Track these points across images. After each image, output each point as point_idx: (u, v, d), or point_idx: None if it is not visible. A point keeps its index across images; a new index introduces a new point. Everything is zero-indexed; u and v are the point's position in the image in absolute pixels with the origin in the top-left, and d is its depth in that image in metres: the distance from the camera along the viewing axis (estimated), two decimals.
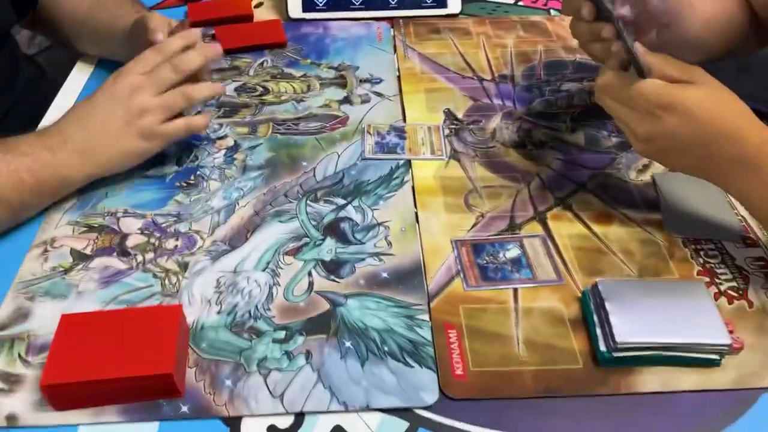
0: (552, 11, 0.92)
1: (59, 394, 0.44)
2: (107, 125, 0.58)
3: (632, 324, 0.47)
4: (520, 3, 0.94)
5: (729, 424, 0.45)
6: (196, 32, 0.63)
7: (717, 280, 0.54)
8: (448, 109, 0.73)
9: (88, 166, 0.58)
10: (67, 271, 0.54)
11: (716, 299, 0.52)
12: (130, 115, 0.58)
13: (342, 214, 0.60)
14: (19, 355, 0.48)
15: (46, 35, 0.81)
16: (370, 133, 0.69)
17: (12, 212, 0.56)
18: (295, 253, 0.56)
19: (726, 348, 0.47)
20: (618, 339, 0.47)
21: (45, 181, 0.56)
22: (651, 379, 0.47)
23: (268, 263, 0.55)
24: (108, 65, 0.77)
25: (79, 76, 0.78)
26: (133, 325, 0.47)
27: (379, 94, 0.75)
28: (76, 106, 0.60)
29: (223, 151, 0.67)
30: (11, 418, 0.44)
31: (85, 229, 0.58)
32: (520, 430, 0.44)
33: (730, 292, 0.53)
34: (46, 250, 0.56)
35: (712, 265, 0.55)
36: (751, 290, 0.53)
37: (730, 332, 0.48)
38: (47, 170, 0.56)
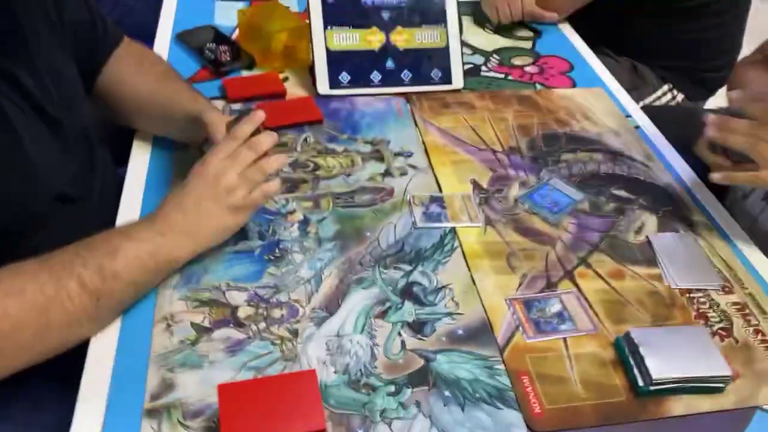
0: (537, 86, 1.08)
1: None
2: (202, 206, 0.67)
3: (662, 364, 0.62)
4: (509, 77, 1.10)
5: None
6: (261, 115, 0.73)
7: (709, 323, 0.70)
8: (474, 180, 0.87)
9: (192, 244, 0.67)
10: (194, 342, 0.63)
11: (711, 337, 0.68)
12: (219, 195, 0.67)
13: (411, 278, 0.72)
14: (179, 421, 0.56)
15: (102, 109, 0.88)
16: (416, 204, 0.81)
17: (137, 292, 0.64)
18: (383, 316, 0.67)
19: (728, 377, 0.63)
20: (654, 376, 0.61)
21: (161, 261, 0.65)
22: (677, 405, 0.62)
23: (363, 326, 0.66)
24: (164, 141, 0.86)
25: (139, 153, 0.85)
26: (281, 389, 0.56)
27: (413, 167, 0.88)
28: (172, 194, 0.68)
29: (296, 224, 0.77)
30: None
31: (197, 303, 0.67)
32: None
33: (720, 332, 0.69)
34: (169, 325, 0.64)
35: (704, 311, 0.72)
36: (735, 329, 0.70)
37: (729, 365, 0.64)
38: (162, 252, 0.64)
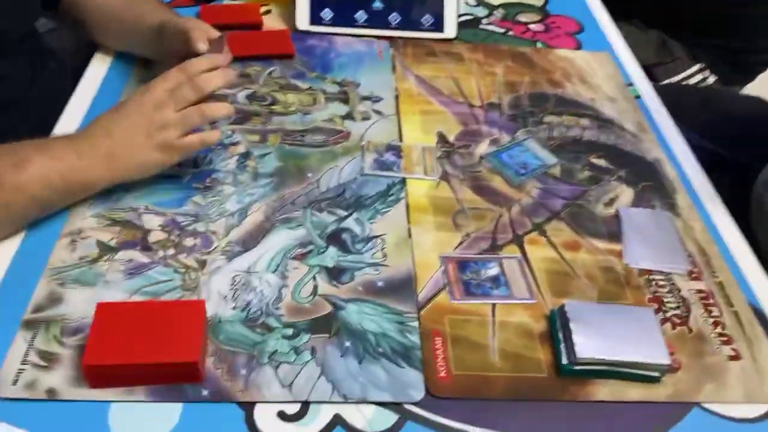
0: (539, 43, 1.00)
1: (97, 374, 0.50)
2: (131, 136, 0.62)
3: (591, 342, 0.56)
4: (510, 33, 1.02)
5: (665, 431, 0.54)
6: (224, 59, 0.68)
7: (664, 308, 0.63)
8: (441, 132, 0.80)
9: (110, 172, 0.63)
10: (94, 261, 0.60)
11: (662, 324, 0.61)
12: (151, 128, 0.63)
13: (343, 225, 0.67)
14: (55, 337, 0.53)
15: (68, 25, 0.85)
16: (369, 150, 0.76)
17: (40, 208, 0.61)
18: (301, 258, 0.63)
19: (666, 367, 0.56)
20: (578, 354, 0.55)
21: (72, 184, 0.61)
22: (602, 390, 0.56)
23: (278, 266, 0.62)
24: (125, 58, 0.83)
25: (97, 69, 0.82)
26: (162, 316, 0.53)
27: (378, 112, 0.82)
28: (105, 114, 0.64)
29: (236, 157, 0.73)
30: (51, 392, 0.50)
31: (109, 222, 0.63)
32: (491, 426, 0.52)
33: (674, 318, 0.62)
34: (74, 240, 0.61)
35: (661, 294, 0.64)
36: (692, 318, 0.62)
37: (671, 354, 0.57)
38: (76, 175, 0.61)
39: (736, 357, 0.59)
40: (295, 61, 0.88)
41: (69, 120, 0.74)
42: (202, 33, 0.70)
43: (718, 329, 0.62)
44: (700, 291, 0.65)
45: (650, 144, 0.83)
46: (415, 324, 0.58)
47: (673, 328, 0.62)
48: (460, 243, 0.67)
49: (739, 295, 0.65)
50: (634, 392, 0.56)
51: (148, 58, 0.82)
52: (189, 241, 0.63)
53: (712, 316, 0.63)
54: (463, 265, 0.64)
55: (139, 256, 0.61)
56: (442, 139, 0.80)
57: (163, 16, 0.75)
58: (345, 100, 0.83)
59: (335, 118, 0.80)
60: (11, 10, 0.67)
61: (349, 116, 0.81)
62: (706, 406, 0.56)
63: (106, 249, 0.61)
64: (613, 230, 0.70)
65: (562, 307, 0.59)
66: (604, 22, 1.08)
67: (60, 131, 0.72)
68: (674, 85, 1.28)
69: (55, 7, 0.80)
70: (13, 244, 0.61)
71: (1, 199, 0.57)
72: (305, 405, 0.52)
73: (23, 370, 0.51)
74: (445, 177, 0.74)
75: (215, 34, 0.71)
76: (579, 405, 0.55)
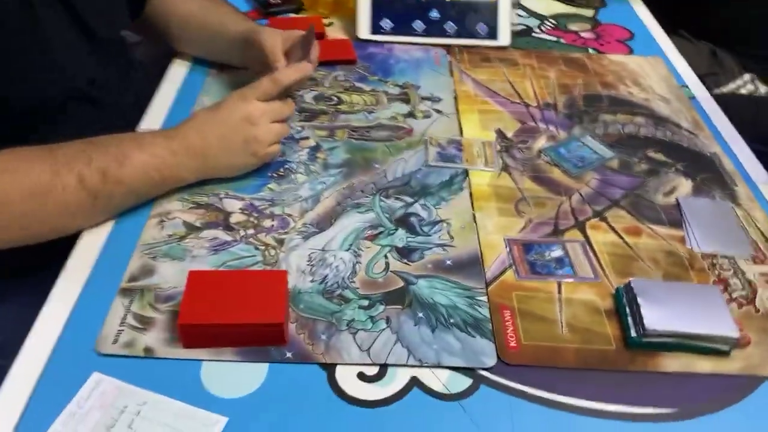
0: (590, 50, 1.03)
1: (190, 333, 0.53)
2: (224, 143, 0.68)
3: (659, 315, 0.57)
4: (561, 41, 1.05)
5: (734, 403, 0.54)
6: (309, 68, 0.75)
7: (729, 289, 0.64)
8: (499, 129, 0.83)
9: (202, 170, 0.68)
10: (181, 238, 0.64)
11: (728, 304, 0.62)
12: (247, 138, 0.68)
13: (410, 210, 0.70)
14: (149, 303, 0.57)
15: (149, 33, 0.91)
16: (432, 144, 0.79)
17: (136, 198, 0.66)
18: (372, 238, 0.66)
19: (734, 340, 0.57)
20: (647, 326, 0.56)
21: (167, 179, 0.66)
22: (672, 362, 0.57)
23: (351, 245, 0.65)
24: (201, 63, 0.89)
25: (175, 73, 0.88)
26: (248, 283, 0.56)
27: (438, 111, 0.86)
28: (200, 115, 0.69)
29: (307, 150, 0.77)
30: (148, 350, 0.54)
31: (193, 205, 0.68)
32: (561, 392, 0.54)
33: (740, 299, 0.63)
34: (162, 221, 0.66)
35: (726, 277, 0.65)
36: (759, 299, 0.63)
37: (740, 330, 0.57)
38: (171, 170, 0.66)
39: None
40: (357, 67, 0.93)
41: (151, 121, 0.79)
42: (276, 42, 0.75)
43: None
44: (765, 274, 0.66)
45: (707, 140, 0.84)
46: (484, 299, 0.61)
47: (740, 307, 0.62)
48: (523, 228, 0.69)
49: None
50: (703, 365, 0.57)
51: (222, 64, 0.88)
52: (267, 222, 0.67)
53: None
54: (527, 246, 0.67)
55: (222, 235, 0.65)
56: (500, 135, 0.83)
57: (246, 26, 0.82)
58: (406, 100, 0.87)
59: (398, 116, 0.84)
60: (103, 11, 0.73)
61: (410, 115, 0.84)
62: None
63: (191, 228, 0.65)
64: (673, 218, 0.72)
65: (628, 284, 0.60)
66: (654, 29, 1.11)
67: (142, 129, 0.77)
68: (726, 95, 1.28)
69: (138, 15, 0.87)
70: (108, 225, 0.65)
71: (105, 191, 0.62)
72: (383, 367, 0.54)
73: (122, 330, 0.55)
74: (505, 169, 0.77)
75: (297, 34, 0.77)
76: (647, 375, 0.56)
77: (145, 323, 0.56)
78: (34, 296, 0.59)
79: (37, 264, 0.67)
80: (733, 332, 0.56)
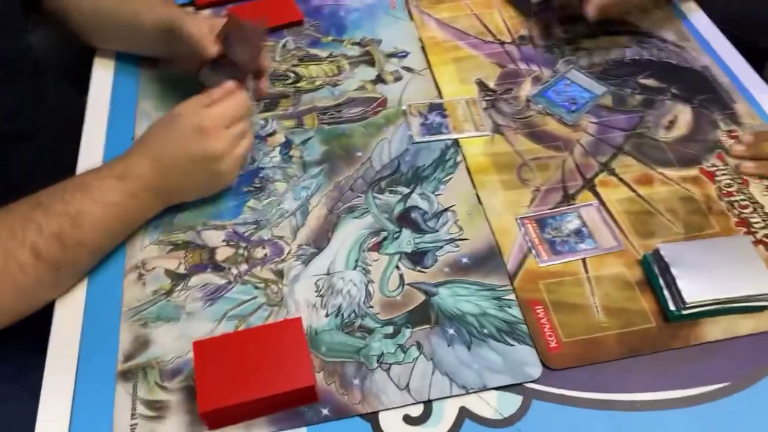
0: None
1: (215, 417, 0.48)
2: (186, 170, 0.59)
3: (696, 284, 0.54)
4: None
5: None
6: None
7: (753, 229, 0.61)
8: (480, 80, 0.76)
9: (167, 203, 0.61)
10: (169, 292, 0.57)
11: (755, 247, 0.60)
12: (208, 162, 0.59)
13: (409, 203, 0.63)
14: (156, 383, 0.51)
15: (55, 27, 0.77)
16: (412, 114, 0.72)
17: (104, 254, 0.58)
18: (377, 248, 0.60)
19: None
20: (686, 299, 0.54)
21: (130, 224, 0.59)
22: (714, 329, 0.55)
23: (356, 261, 0.59)
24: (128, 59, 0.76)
25: (102, 78, 0.76)
26: (262, 342, 0.50)
27: (409, 69, 0.77)
28: (151, 142, 0.59)
29: (278, 149, 0.68)
30: None
31: (171, 247, 0.60)
32: (610, 389, 0.51)
33: (765, 240, 0.61)
34: (141, 275, 0.58)
35: (746, 216, 0.63)
36: None
37: None
38: (133, 216, 0.58)
39: None
40: (305, 27, 0.82)
41: (90, 149, 0.68)
42: (211, 41, 0.64)
43: None
44: None
45: (695, 53, 0.79)
46: (512, 297, 0.57)
47: (767, 250, 0.60)
48: (532, 200, 0.64)
49: None
50: (746, 325, 0.55)
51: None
52: (259, 252, 0.60)
53: None
54: (541, 222, 0.62)
55: (213, 278, 0.58)
56: (482, 87, 0.75)
57: (165, 13, 0.68)
58: (370, 62, 0.78)
59: (366, 85, 0.75)
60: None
61: (379, 80, 0.76)
62: None
63: (176, 277, 0.58)
64: (681, 155, 0.68)
65: (657, 251, 0.57)
66: None
67: (84, 161, 0.66)
68: None
69: (34, 8, 0.73)
70: (80, 291, 0.57)
71: (67, 259, 0.54)
72: (428, 404, 0.51)
73: (135, 425, 0.49)
74: (497, 129, 0.70)
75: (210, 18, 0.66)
76: (692, 350, 0.54)
77: (158, 409, 0.50)
78: (18, 383, 0.53)
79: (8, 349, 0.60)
80: None
